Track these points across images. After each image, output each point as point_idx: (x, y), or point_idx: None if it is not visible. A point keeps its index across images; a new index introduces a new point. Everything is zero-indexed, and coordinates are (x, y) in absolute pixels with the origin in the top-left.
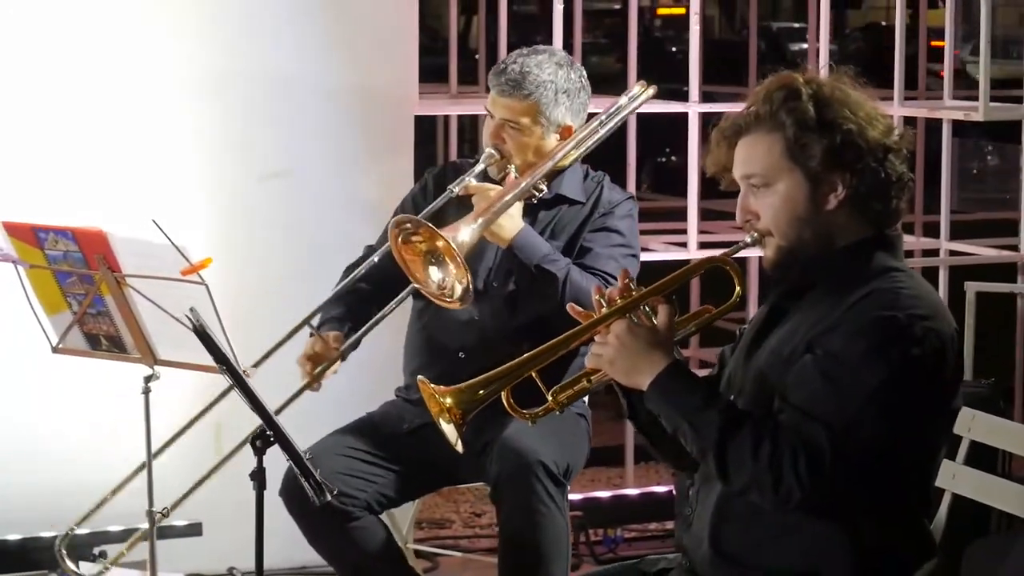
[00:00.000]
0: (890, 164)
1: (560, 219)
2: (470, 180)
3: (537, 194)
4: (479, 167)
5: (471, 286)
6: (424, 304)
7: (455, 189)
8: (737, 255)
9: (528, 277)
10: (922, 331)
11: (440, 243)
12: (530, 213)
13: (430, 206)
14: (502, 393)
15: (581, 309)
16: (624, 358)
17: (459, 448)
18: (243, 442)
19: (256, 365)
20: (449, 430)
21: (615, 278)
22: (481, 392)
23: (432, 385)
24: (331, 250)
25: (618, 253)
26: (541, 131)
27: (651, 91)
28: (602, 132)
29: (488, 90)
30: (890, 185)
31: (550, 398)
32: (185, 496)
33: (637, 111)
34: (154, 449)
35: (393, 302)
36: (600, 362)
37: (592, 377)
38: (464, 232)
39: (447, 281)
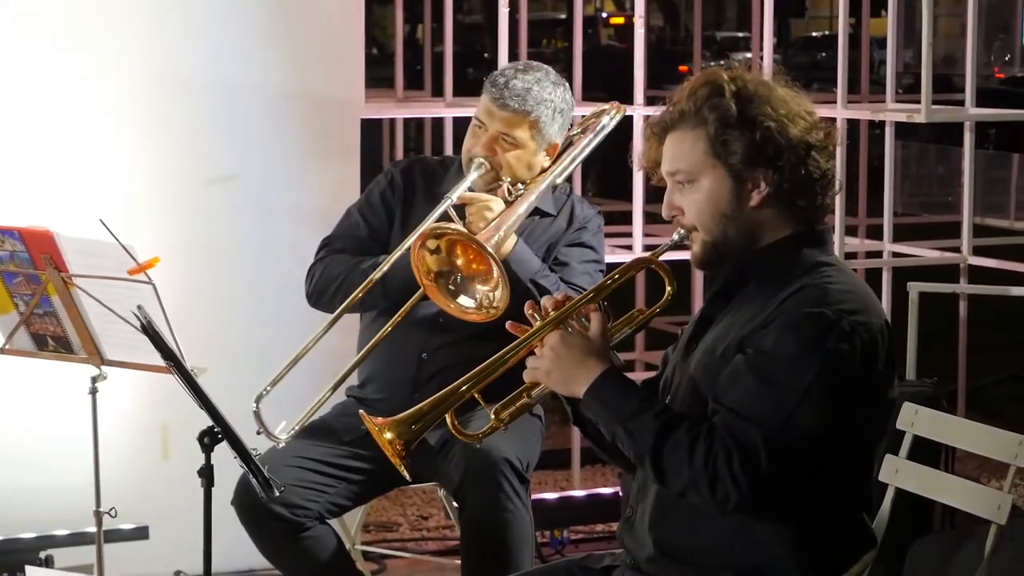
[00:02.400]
0: (813, 161)
1: (533, 231)
2: (464, 190)
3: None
4: (471, 177)
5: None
6: (381, 311)
7: (452, 197)
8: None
9: (520, 290)
10: (851, 326)
11: (460, 261)
12: None
13: (432, 213)
14: (446, 416)
15: (519, 324)
16: (560, 369)
17: (407, 477)
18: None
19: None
20: (395, 463)
21: None
22: (415, 426)
23: (373, 419)
24: (277, 251)
25: (592, 268)
26: (534, 147)
27: (623, 110)
28: (587, 151)
29: (434, 94)
30: (813, 182)
31: (492, 416)
32: None
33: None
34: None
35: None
36: (537, 375)
37: (532, 392)
38: (496, 240)
39: (482, 300)
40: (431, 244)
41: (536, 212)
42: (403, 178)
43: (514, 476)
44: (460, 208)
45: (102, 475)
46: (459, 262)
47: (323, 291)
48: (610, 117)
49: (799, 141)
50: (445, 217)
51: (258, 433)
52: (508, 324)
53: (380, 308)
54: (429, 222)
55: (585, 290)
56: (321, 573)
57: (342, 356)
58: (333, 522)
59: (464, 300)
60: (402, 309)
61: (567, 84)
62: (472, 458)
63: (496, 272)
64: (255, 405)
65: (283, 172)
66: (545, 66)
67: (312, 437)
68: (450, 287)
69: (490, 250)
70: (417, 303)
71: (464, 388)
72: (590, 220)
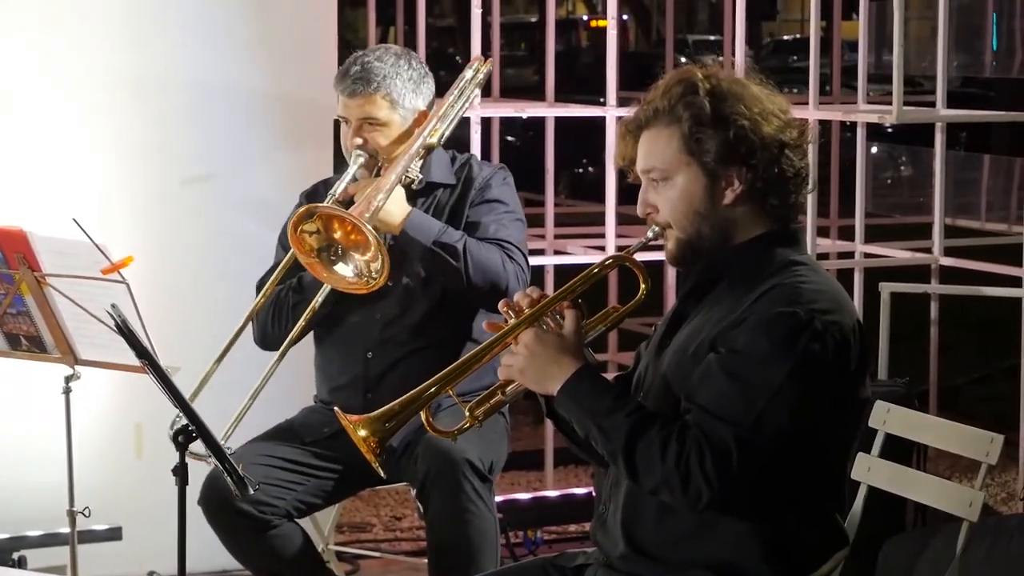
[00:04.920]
0: (786, 159)
1: (437, 204)
2: (347, 183)
3: (415, 180)
4: (352, 169)
5: (386, 259)
6: (324, 316)
7: (335, 193)
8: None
9: (428, 259)
10: (823, 325)
11: (338, 234)
12: (408, 202)
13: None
14: (421, 414)
15: (495, 322)
16: (534, 367)
17: (381, 474)
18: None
19: (192, 398)
20: (369, 459)
21: (511, 243)
22: (388, 424)
23: (347, 416)
24: (250, 251)
25: (505, 220)
26: (399, 120)
27: (489, 64)
28: (458, 106)
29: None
30: (787, 180)
31: (467, 413)
32: None
33: (557, 116)
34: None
35: (319, 295)
36: (511, 372)
37: (507, 389)
38: (373, 206)
39: (361, 268)
40: (308, 226)
41: (437, 186)
42: (307, 201)
43: (475, 476)
44: (351, 203)
45: (75, 475)
46: (338, 235)
47: (263, 332)
48: (473, 70)
49: (772, 139)
50: None
51: None
52: (484, 323)
53: (319, 317)
54: (337, 210)
55: (505, 240)
56: (289, 571)
57: (310, 360)
58: (307, 523)
59: (342, 268)
60: (310, 306)
61: (415, 54)
62: (433, 459)
63: (372, 240)
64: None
65: (257, 171)
66: (387, 44)
67: (276, 438)
68: (332, 258)
69: (357, 218)
70: (354, 307)
71: (437, 386)
72: (492, 177)
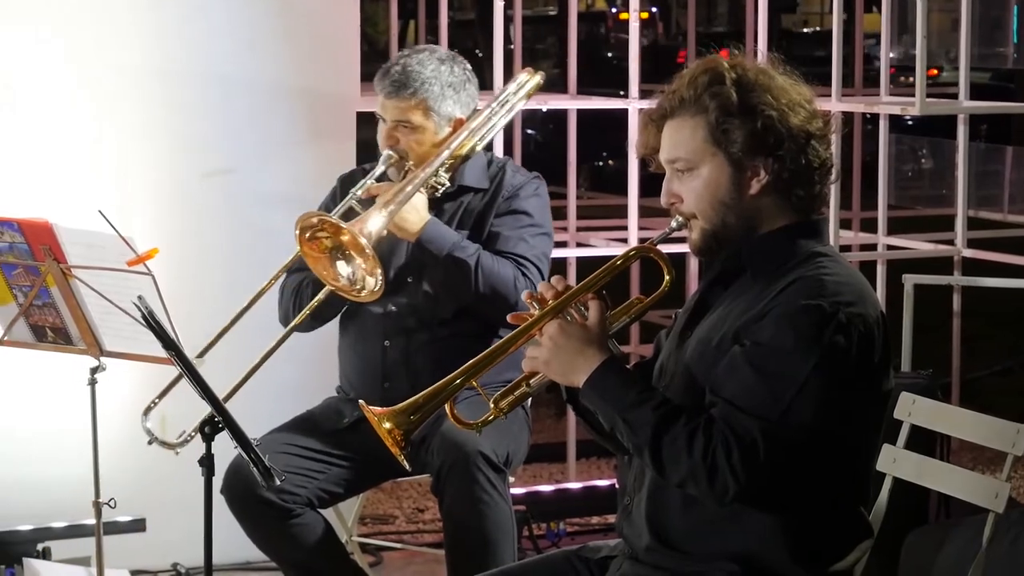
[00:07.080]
0: (812, 150)
1: (466, 208)
2: (371, 182)
3: (440, 187)
4: (379, 169)
5: (381, 278)
6: (346, 310)
7: (357, 192)
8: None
9: (440, 269)
10: (847, 317)
11: (345, 237)
12: (435, 206)
13: (335, 210)
14: (445, 406)
15: (519, 314)
16: (559, 358)
17: (406, 466)
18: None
19: (201, 355)
20: (394, 452)
21: (527, 259)
22: (413, 416)
23: (372, 409)
24: (273, 243)
25: (527, 234)
26: (433, 126)
27: (538, 77)
28: (496, 120)
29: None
30: (812, 171)
31: (492, 405)
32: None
33: (579, 108)
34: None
35: (314, 300)
36: (536, 364)
37: (531, 381)
38: (371, 222)
39: (356, 275)
40: (319, 234)
41: (468, 190)
42: (342, 186)
43: (489, 468)
44: (373, 202)
45: (100, 467)
46: (345, 239)
47: (286, 312)
48: (517, 84)
49: (799, 130)
50: (352, 211)
51: (149, 443)
52: (509, 316)
53: (335, 314)
54: (331, 218)
55: (523, 256)
56: (311, 560)
57: (331, 351)
58: (330, 515)
59: (342, 267)
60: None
61: (460, 59)
62: (447, 452)
63: (368, 252)
64: (143, 418)
65: (278, 164)
66: (434, 46)
67: (297, 428)
68: (338, 257)
69: (350, 228)
70: (376, 299)
71: (461, 378)
72: (522, 187)
